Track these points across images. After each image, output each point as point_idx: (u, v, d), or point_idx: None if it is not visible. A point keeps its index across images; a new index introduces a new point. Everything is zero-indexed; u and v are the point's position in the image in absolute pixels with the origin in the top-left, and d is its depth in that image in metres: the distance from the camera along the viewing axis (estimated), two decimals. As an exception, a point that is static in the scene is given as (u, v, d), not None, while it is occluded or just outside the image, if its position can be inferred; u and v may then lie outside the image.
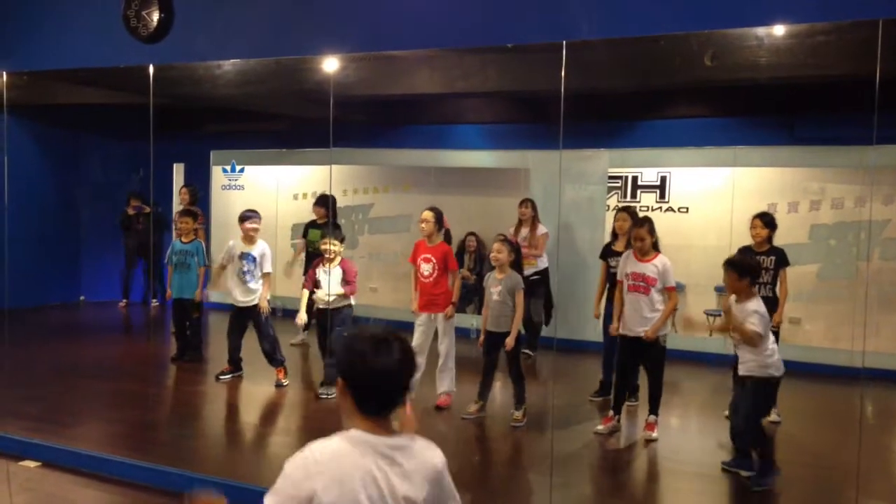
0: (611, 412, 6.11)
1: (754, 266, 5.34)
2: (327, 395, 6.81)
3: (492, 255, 6.34)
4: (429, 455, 2.08)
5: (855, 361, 6.86)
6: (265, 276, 7.30)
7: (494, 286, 6.21)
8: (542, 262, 8.49)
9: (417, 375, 6.71)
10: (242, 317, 7.39)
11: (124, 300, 11.29)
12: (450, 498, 2.12)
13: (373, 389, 2.04)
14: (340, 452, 2.00)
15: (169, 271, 8.12)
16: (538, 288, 8.37)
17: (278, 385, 7.25)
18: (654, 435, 5.93)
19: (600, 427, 6.07)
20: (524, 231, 8.51)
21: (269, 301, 7.36)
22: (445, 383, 6.60)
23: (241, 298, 7.29)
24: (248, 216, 7.37)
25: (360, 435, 2.01)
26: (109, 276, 11.68)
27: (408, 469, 2.01)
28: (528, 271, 7.96)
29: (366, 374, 2.02)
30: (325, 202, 8.96)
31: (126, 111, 9.05)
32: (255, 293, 7.26)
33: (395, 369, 2.02)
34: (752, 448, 5.19)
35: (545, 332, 8.66)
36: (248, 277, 7.24)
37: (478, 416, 6.37)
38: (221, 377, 7.46)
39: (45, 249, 11.12)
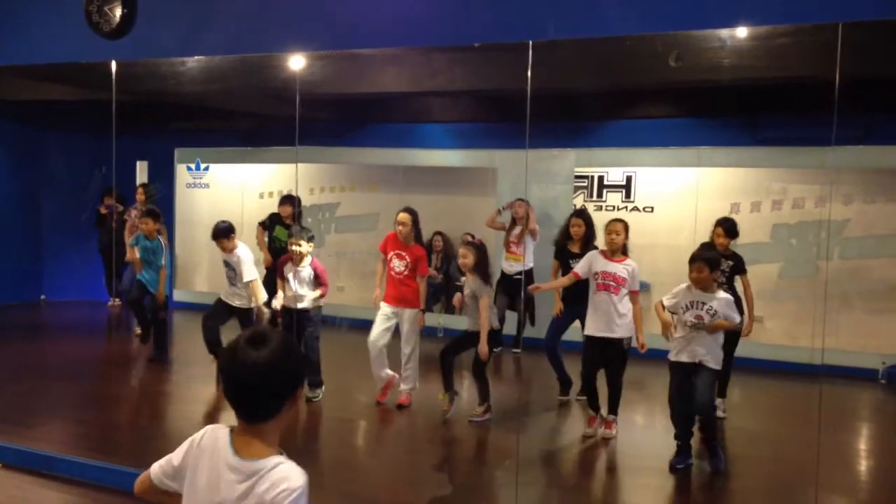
0: (591, 412, 6.12)
1: (720, 259, 5.70)
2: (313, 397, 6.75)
3: (459, 261, 6.37)
4: (272, 485, 1.82)
5: (815, 359, 6.99)
6: (252, 283, 7.10)
7: (466, 289, 6.25)
8: (529, 262, 8.48)
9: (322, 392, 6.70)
10: (225, 308, 7.23)
11: (115, 299, 10.86)
12: None
13: (240, 387, 1.87)
14: (205, 447, 1.93)
15: (130, 253, 8.17)
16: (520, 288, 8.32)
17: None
18: (613, 433, 5.97)
19: (588, 430, 6.09)
20: (517, 229, 8.49)
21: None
22: (410, 381, 6.60)
23: (226, 298, 7.21)
24: (214, 234, 7.17)
25: (223, 440, 1.90)
26: (71, 275, 11.48)
27: (238, 493, 1.83)
28: (515, 268, 7.96)
29: (233, 368, 1.87)
30: (291, 201, 8.94)
31: (89, 108, 8.92)
32: (239, 296, 7.13)
33: (266, 366, 1.84)
34: (712, 434, 5.29)
35: (513, 330, 8.68)
36: (231, 283, 7.19)
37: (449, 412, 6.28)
38: None
39: (5, 248, 10.88)
